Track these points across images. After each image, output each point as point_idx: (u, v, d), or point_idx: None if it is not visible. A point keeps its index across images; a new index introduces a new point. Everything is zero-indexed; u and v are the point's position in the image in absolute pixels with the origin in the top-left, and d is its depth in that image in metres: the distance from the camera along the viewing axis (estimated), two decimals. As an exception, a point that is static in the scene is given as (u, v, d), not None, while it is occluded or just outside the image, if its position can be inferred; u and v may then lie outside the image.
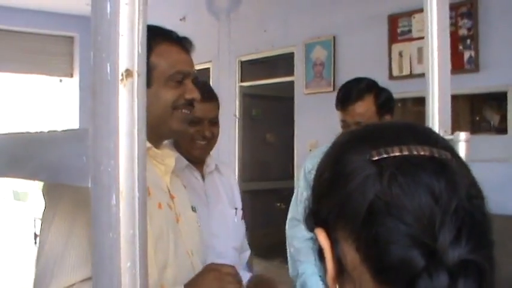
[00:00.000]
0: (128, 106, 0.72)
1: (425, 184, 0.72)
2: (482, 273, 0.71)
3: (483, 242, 0.73)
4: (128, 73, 0.73)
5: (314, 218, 0.83)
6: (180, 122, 1.78)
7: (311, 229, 0.83)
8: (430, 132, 0.83)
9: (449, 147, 0.79)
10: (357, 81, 2.86)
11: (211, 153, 2.60)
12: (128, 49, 0.73)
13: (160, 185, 1.79)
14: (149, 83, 1.62)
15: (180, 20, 8.04)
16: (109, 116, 0.72)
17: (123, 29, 0.73)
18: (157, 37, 1.78)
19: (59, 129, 0.80)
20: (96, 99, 0.74)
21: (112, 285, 0.72)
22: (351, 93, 2.78)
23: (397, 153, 0.74)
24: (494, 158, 4.06)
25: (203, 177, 2.56)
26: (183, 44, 1.85)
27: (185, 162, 2.46)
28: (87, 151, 0.76)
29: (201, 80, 1.84)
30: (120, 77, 0.72)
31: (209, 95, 2.53)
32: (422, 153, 0.74)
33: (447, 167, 0.74)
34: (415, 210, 0.71)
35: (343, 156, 0.80)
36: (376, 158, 0.75)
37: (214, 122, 2.49)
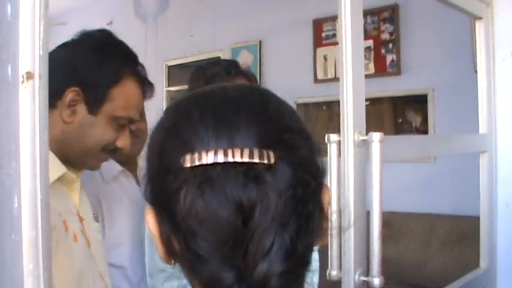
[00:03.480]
0: (28, 108, 0.72)
1: (234, 199, 0.66)
2: (289, 284, 0.68)
3: (298, 257, 0.69)
4: (29, 75, 0.73)
5: (146, 197, 0.78)
6: (98, 162, 1.65)
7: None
8: (262, 121, 0.72)
9: (279, 143, 0.70)
10: None
11: (142, 155, 2.47)
12: (29, 51, 0.73)
13: (71, 209, 1.62)
14: (96, 110, 1.53)
15: (107, 24, 7.94)
16: (9, 118, 0.72)
17: (23, 32, 0.73)
18: (129, 68, 1.64)
19: None
20: (-3, 101, 0.74)
21: (14, 288, 0.72)
22: None
23: (210, 161, 0.67)
24: (415, 158, 4.17)
25: (138, 182, 2.33)
26: (145, 89, 1.72)
27: (118, 168, 2.27)
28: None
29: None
30: (21, 79, 0.72)
31: None
32: (238, 159, 0.67)
33: (260, 177, 0.67)
34: (221, 226, 0.66)
35: (162, 149, 0.75)
36: (189, 165, 0.68)
37: (140, 116, 2.36)
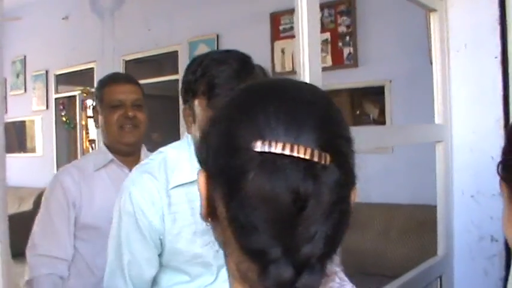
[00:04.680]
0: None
1: (292, 187, 0.76)
2: (323, 264, 0.81)
3: (333, 245, 0.82)
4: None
5: (200, 162, 0.89)
6: None
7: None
8: (325, 125, 0.83)
9: (335, 148, 0.81)
10: None
11: (144, 148, 2.55)
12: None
13: None
14: None
15: (63, 19, 7.83)
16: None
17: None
18: None
19: None
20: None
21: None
22: None
23: (279, 151, 0.77)
24: (373, 149, 4.22)
25: None
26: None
27: (109, 157, 2.45)
28: None
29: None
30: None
31: (128, 78, 2.56)
32: (302, 155, 0.77)
33: (318, 175, 0.78)
34: (278, 208, 0.76)
35: (234, 128, 0.83)
36: (259, 150, 0.78)
37: (138, 105, 2.45)
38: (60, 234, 2.34)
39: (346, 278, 1.14)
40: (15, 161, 8.84)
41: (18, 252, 2.49)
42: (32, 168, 8.41)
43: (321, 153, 0.78)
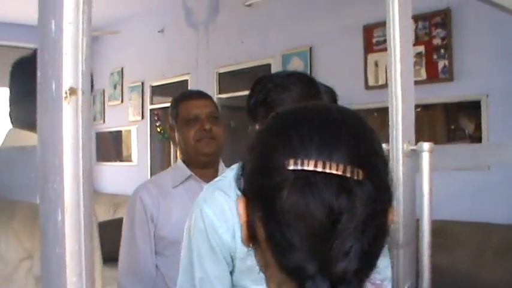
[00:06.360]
0: (72, 123, 0.74)
1: (326, 203, 0.79)
2: (360, 280, 0.82)
3: (370, 260, 0.83)
4: (72, 91, 0.74)
5: (240, 189, 0.94)
6: None
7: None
8: (356, 143, 0.86)
9: (367, 165, 0.83)
10: None
11: (221, 162, 2.58)
12: (72, 67, 0.74)
13: None
14: None
15: (159, 32, 8.04)
16: (54, 133, 0.74)
17: (66, 47, 0.74)
18: None
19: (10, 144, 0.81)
20: (42, 116, 0.76)
21: (58, 300, 0.73)
22: None
23: (311, 168, 0.80)
24: (469, 166, 4.09)
25: None
26: None
27: (187, 173, 2.48)
28: (35, 168, 0.77)
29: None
30: (64, 95, 0.73)
31: (201, 93, 2.63)
32: (334, 171, 0.80)
33: (351, 190, 0.80)
34: (313, 224, 0.79)
35: (269, 151, 0.87)
36: (292, 168, 0.81)
37: (213, 118, 2.49)
38: (144, 254, 2.40)
39: None
40: (112, 170, 9.13)
41: (112, 257, 2.57)
42: (127, 177, 8.64)
43: (354, 168, 0.81)
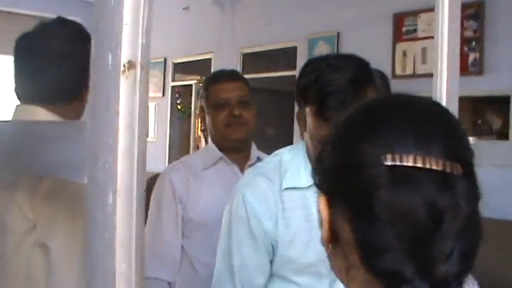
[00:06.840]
0: (129, 100, 0.68)
1: (429, 200, 0.74)
2: (460, 284, 0.77)
3: (469, 261, 0.77)
4: (131, 65, 0.68)
5: (318, 185, 0.87)
6: None
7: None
8: (452, 136, 0.81)
9: (463, 159, 0.79)
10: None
11: (254, 146, 2.50)
12: (132, 39, 0.69)
13: None
14: None
15: (183, 9, 7.98)
16: (108, 110, 0.68)
17: (127, 18, 0.68)
18: None
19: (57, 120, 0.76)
20: (95, 91, 0.70)
21: (105, 290, 0.68)
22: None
23: (411, 164, 0.75)
24: (496, 163, 4.02)
25: (243, 171, 2.38)
26: None
27: (218, 155, 2.41)
28: (85, 145, 0.72)
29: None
30: (122, 69, 0.68)
31: (233, 75, 2.54)
32: (434, 167, 0.75)
33: (454, 186, 0.75)
34: (414, 223, 0.73)
35: (357, 145, 0.80)
36: (390, 163, 0.75)
37: (244, 102, 2.40)
38: (169, 237, 2.34)
39: None
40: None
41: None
42: (144, 153, 8.62)
43: (453, 163, 0.76)
